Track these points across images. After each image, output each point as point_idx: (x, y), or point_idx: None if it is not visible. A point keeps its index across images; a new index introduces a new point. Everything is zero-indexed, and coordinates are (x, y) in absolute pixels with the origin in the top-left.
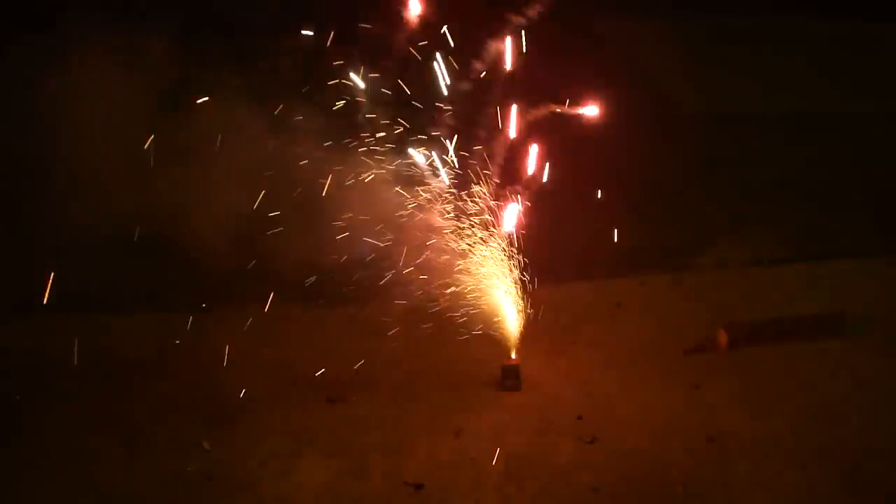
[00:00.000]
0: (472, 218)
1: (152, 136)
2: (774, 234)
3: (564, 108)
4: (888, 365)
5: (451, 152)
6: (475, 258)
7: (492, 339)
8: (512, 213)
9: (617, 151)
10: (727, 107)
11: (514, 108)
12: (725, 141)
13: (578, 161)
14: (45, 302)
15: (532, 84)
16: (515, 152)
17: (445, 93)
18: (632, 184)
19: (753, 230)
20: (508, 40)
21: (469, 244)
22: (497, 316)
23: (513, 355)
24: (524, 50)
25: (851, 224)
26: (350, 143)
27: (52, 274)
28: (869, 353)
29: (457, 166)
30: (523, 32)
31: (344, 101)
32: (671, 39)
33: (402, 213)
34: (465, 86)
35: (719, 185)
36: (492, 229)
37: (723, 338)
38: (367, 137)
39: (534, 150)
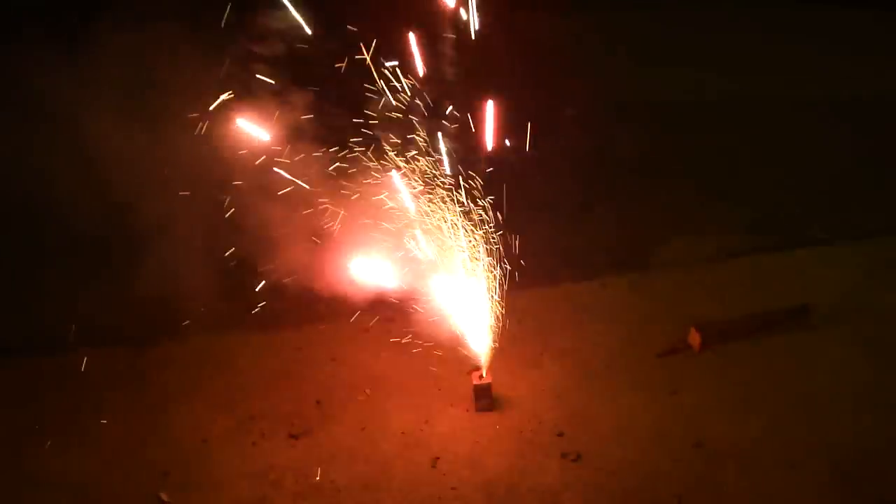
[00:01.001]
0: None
1: None
2: (728, 225)
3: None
4: (859, 355)
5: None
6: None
7: (458, 355)
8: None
9: (560, 148)
10: (669, 95)
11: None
12: (670, 131)
13: (523, 160)
14: None
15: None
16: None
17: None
18: (577, 181)
19: (705, 223)
20: None
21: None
22: (464, 331)
23: (483, 373)
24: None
25: (807, 211)
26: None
27: None
28: (838, 345)
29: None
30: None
31: None
32: (604, 31)
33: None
34: None
35: (666, 178)
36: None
37: (695, 338)
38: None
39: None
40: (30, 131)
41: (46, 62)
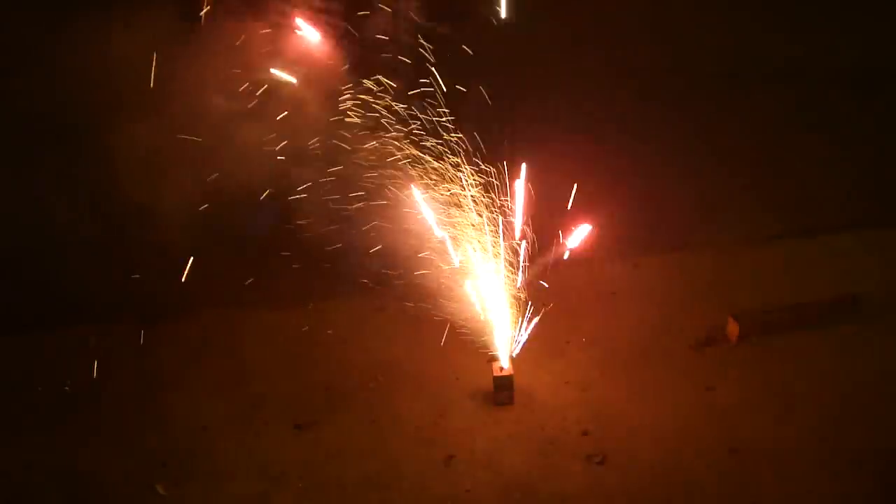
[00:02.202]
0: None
1: None
2: (766, 207)
3: None
4: None
5: None
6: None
7: (478, 341)
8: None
9: (591, 123)
10: (704, 66)
11: None
12: (705, 106)
13: (551, 136)
14: None
15: None
16: None
17: None
18: (611, 157)
19: (743, 203)
20: None
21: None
22: (485, 315)
23: (504, 364)
24: None
25: (847, 194)
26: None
27: None
28: (886, 339)
29: None
30: None
31: None
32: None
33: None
34: None
35: (702, 155)
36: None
37: (733, 329)
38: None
39: None
40: None
41: None
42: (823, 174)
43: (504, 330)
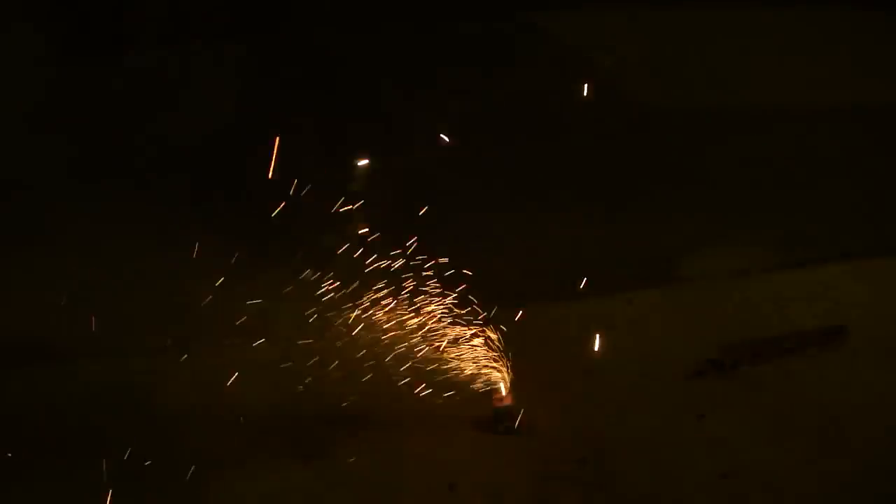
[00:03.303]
0: None
1: None
2: (759, 239)
3: None
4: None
5: None
6: None
7: (478, 373)
8: None
9: (581, 154)
10: (693, 101)
11: None
12: (696, 139)
13: (538, 166)
14: None
15: None
16: None
17: None
18: (601, 190)
19: (737, 236)
20: None
21: None
22: (484, 349)
23: (504, 394)
24: None
25: (840, 225)
26: None
27: None
28: (874, 366)
29: None
30: None
31: None
32: (628, 32)
33: None
34: None
35: (695, 188)
36: None
37: (723, 359)
38: None
39: None
40: None
41: None
42: (813, 205)
43: (502, 361)
